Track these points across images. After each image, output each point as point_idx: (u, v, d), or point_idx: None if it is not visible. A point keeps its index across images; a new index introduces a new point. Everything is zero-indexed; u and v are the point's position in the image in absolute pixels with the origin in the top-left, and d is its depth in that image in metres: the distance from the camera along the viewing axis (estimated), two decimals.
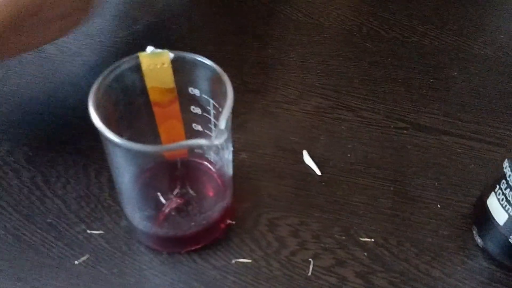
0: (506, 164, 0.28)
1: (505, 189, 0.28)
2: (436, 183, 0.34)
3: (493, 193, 0.29)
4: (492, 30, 0.46)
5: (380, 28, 0.45)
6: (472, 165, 0.35)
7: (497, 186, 0.29)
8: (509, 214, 0.28)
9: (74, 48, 0.42)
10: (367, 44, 0.44)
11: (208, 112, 0.29)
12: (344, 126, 0.37)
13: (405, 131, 0.37)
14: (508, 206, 0.28)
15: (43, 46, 0.35)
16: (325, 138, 0.37)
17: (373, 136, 0.37)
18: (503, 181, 0.28)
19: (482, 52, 0.43)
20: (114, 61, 0.38)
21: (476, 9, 0.48)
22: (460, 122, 0.38)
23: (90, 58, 0.41)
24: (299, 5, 0.47)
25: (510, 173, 0.27)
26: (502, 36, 0.45)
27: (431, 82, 0.41)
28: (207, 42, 0.43)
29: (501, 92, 0.40)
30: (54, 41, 0.42)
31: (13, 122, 0.37)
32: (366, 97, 0.39)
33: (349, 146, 0.36)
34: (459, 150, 0.36)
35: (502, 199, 0.28)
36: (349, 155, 0.36)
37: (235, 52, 0.43)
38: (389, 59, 0.43)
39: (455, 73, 0.42)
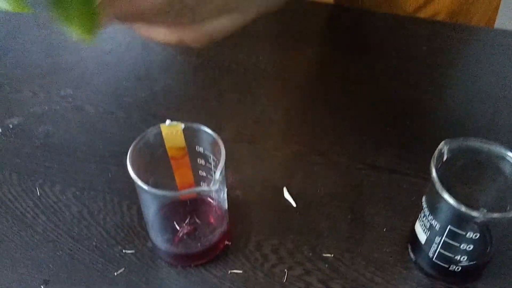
0: (423, 199, 0.39)
1: (423, 217, 0.39)
2: (384, 212, 0.45)
3: (418, 220, 0.40)
4: (444, 89, 0.57)
5: (351, 87, 0.56)
6: (414, 197, 0.46)
7: (419, 215, 0.39)
8: (426, 235, 0.39)
9: (107, 107, 0.54)
10: (341, 101, 0.55)
11: (209, 163, 0.40)
12: (316, 167, 0.48)
13: (363, 171, 0.48)
14: (425, 229, 0.39)
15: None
16: (301, 177, 0.48)
17: (338, 175, 0.48)
18: (422, 211, 0.39)
19: (432, 107, 0.54)
20: (139, 118, 0.50)
21: (430, 68, 0.59)
22: (407, 163, 0.49)
23: (120, 115, 0.53)
24: (288, 68, 0.58)
25: (425, 205, 0.38)
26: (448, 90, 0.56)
27: (387, 130, 0.52)
28: (210, 100, 0.55)
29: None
30: (92, 98, 0.54)
31: (64, 168, 0.48)
32: (334, 143, 0.50)
33: (319, 183, 0.47)
34: (404, 186, 0.47)
35: (422, 225, 0.39)
36: (318, 191, 0.46)
37: (233, 108, 0.54)
38: (357, 113, 0.54)
39: (408, 122, 0.53)
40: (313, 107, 0.54)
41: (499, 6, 0.90)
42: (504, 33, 0.64)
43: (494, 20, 0.91)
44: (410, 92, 0.56)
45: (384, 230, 0.44)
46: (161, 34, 0.33)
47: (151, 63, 0.59)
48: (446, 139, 0.38)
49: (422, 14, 0.69)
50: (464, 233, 0.36)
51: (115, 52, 0.60)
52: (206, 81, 0.57)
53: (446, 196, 0.35)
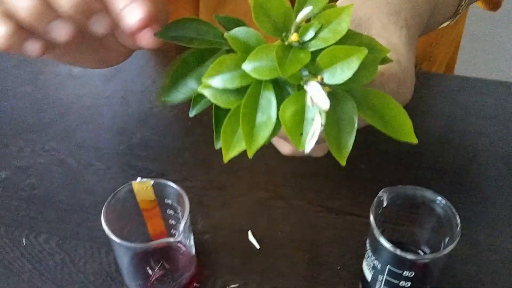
0: (367, 242, 0.44)
1: (368, 258, 0.43)
2: (338, 251, 0.50)
3: (364, 260, 0.45)
4: None
5: None
6: (365, 237, 0.51)
7: (365, 255, 0.44)
8: (371, 274, 0.43)
9: (88, 159, 0.59)
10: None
11: (177, 213, 0.45)
12: (278, 211, 0.53)
13: (320, 213, 0.53)
14: (370, 268, 0.43)
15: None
16: (264, 221, 0.52)
17: (298, 218, 0.53)
18: (367, 252, 0.44)
19: (386, 151, 0.60)
20: (118, 169, 0.55)
21: None
22: (360, 205, 0.54)
23: (99, 167, 0.58)
24: None
25: (368, 248, 0.43)
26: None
27: (343, 174, 0.57)
28: (184, 150, 0.60)
29: (390, 182, 0.56)
30: (74, 151, 0.59)
31: (48, 219, 0.53)
32: (295, 188, 0.55)
33: (280, 226, 0.52)
34: (357, 226, 0.52)
35: (367, 264, 0.44)
36: (279, 233, 0.51)
37: (205, 157, 0.59)
38: (316, 160, 0.59)
39: (362, 166, 0.58)
40: (276, 157, 0.59)
41: (459, 44, 0.97)
42: (458, 78, 0.70)
43: (455, 60, 0.98)
44: (366, 137, 0.61)
45: (338, 268, 0.48)
46: (287, 148, 0.42)
47: (129, 116, 0.64)
48: (385, 188, 0.43)
49: None
50: (401, 272, 0.41)
51: (95, 106, 0.65)
52: (180, 132, 0.62)
53: (383, 240, 0.40)
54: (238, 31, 0.33)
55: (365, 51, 0.30)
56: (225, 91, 0.33)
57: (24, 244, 0.50)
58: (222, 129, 0.33)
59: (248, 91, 0.32)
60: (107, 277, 0.48)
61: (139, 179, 0.43)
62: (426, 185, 0.45)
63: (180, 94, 0.36)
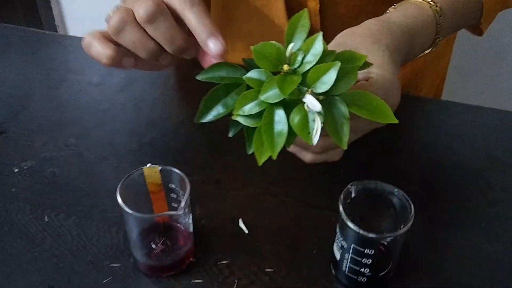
0: (337, 226, 0.52)
1: (337, 239, 0.52)
2: (315, 239, 0.58)
3: (334, 242, 0.53)
4: (378, 146, 0.71)
5: None
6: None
7: (335, 238, 0.52)
8: (340, 253, 0.51)
9: (103, 154, 0.67)
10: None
11: (179, 197, 0.54)
12: (266, 205, 0.61)
13: (302, 208, 0.61)
14: (339, 249, 0.51)
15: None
16: (254, 212, 0.60)
17: (283, 211, 0.61)
18: (336, 235, 0.52)
19: (360, 158, 0.68)
20: (129, 164, 0.63)
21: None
22: (336, 202, 0.62)
23: (113, 161, 0.66)
24: None
25: (338, 231, 0.51)
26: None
27: (326, 177, 0.65)
28: (187, 150, 0.68)
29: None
30: (91, 147, 0.68)
31: (67, 201, 0.61)
32: (283, 187, 0.64)
33: (267, 217, 0.60)
34: (333, 219, 0.59)
35: (337, 246, 0.52)
36: (266, 222, 0.59)
37: (204, 157, 0.67)
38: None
39: (341, 170, 0.66)
40: (270, 159, 0.67)
41: (445, 76, 1.06)
42: (431, 101, 0.79)
43: (442, 89, 1.07)
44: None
45: (314, 252, 0.56)
46: (308, 156, 0.54)
47: (140, 120, 0.73)
48: (353, 182, 0.52)
49: None
50: (362, 250, 0.49)
51: (111, 110, 0.74)
52: (184, 136, 0.71)
53: (349, 223, 0.48)
54: (253, 73, 0.46)
55: (338, 64, 0.42)
56: (251, 115, 0.45)
57: (46, 220, 0.59)
58: (253, 142, 0.46)
59: (264, 112, 0.44)
60: (116, 250, 0.56)
61: (149, 164, 0.52)
62: (397, 187, 0.53)
63: (210, 116, 0.50)
